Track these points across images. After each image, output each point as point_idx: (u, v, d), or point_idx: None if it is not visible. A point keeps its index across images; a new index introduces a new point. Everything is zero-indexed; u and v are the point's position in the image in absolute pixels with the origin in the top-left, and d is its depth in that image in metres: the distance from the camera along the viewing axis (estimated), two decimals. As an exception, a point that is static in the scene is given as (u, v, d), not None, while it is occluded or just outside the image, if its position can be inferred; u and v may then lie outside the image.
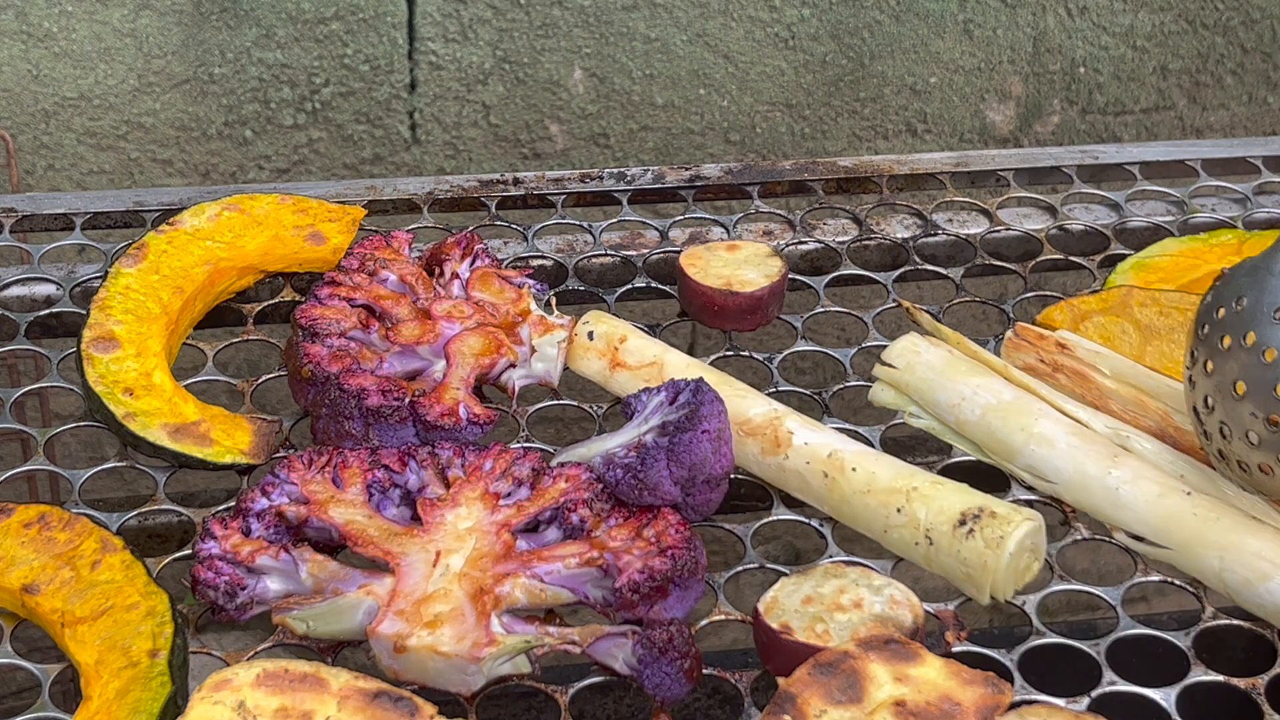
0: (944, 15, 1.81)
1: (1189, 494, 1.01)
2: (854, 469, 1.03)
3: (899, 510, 1.00)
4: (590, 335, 1.17)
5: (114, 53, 1.65)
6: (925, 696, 0.87)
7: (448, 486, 1.02)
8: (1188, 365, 1.02)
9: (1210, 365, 0.99)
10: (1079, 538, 1.05)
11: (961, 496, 1.00)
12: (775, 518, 1.07)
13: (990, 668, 0.91)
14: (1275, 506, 1.01)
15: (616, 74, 1.77)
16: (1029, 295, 1.29)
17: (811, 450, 1.05)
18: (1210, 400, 0.99)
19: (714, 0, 1.75)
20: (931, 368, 1.11)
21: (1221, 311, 0.99)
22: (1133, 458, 1.04)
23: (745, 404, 1.08)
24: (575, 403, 1.16)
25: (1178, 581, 1.02)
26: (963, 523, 0.97)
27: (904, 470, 1.03)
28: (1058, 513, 1.06)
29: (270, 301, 1.25)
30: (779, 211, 1.39)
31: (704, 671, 0.93)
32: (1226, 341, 0.98)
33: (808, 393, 1.17)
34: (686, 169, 1.43)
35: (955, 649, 0.96)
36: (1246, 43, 1.90)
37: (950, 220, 1.38)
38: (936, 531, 0.98)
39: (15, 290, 1.26)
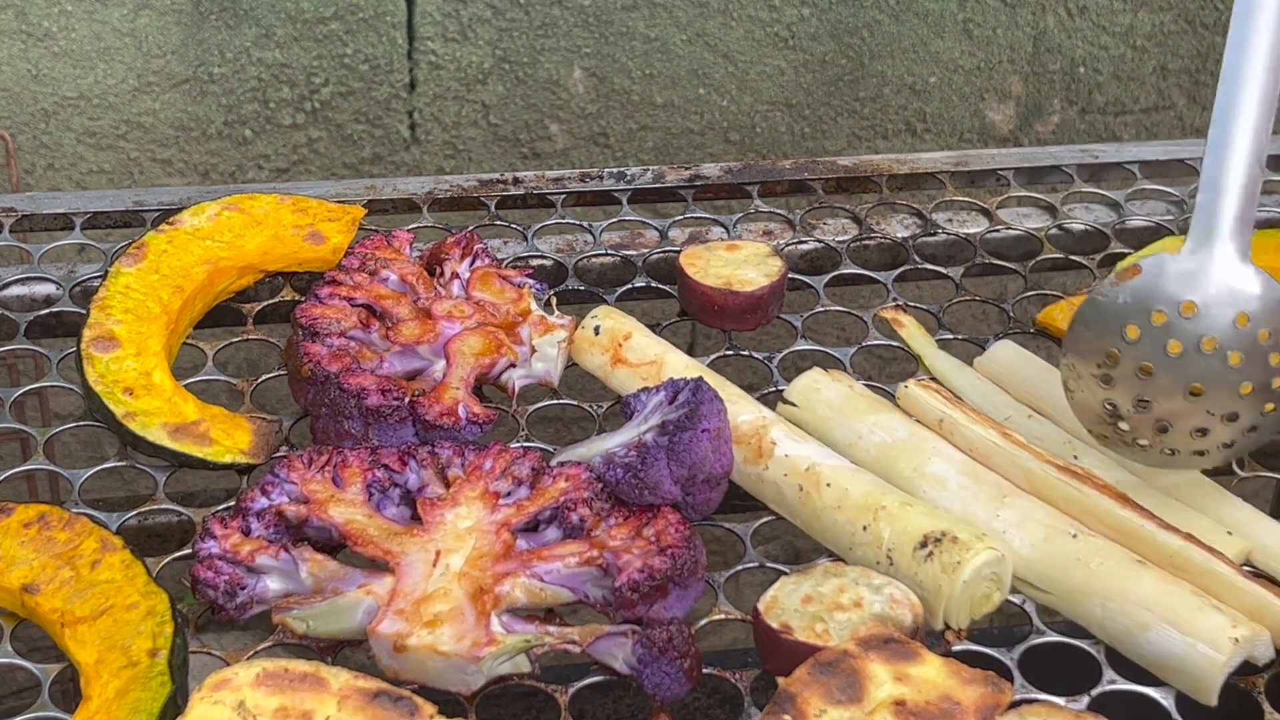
0: (943, 15, 1.81)
1: (1075, 536, 0.99)
2: (829, 484, 1.02)
3: (865, 528, 1.00)
4: (596, 330, 1.17)
5: (113, 52, 1.65)
6: (925, 696, 0.87)
7: (447, 486, 1.02)
8: (1093, 372, 1.01)
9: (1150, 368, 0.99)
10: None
11: (928, 519, 0.99)
12: (775, 517, 1.07)
13: (990, 667, 0.91)
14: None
15: (616, 74, 1.77)
16: (1029, 295, 1.29)
17: (791, 463, 1.05)
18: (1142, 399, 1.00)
19: (713, 0, 1.75)
20: (830, 405, 1.10)
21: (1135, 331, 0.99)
22: (1023, 498, 1.03)
23: (734, 409, 1.07)
24: (575, 402, 1.16)
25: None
26: (923, 545, 0.97)
27: (878, 489, 1.02)
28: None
29: (270, 301, 1.25)
30: (779, 211, 1.39)
31: (704, 671, 0.93)
32: (1173, 347, 0.98)
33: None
34: (686, 169, 1.43)
35: (955, 648, 0.96)
36: (1246, 42, 1.90)
37: (950, 220, 1.38)
38: (898, 552, 0.98)
39: (15, 290, 1.26)
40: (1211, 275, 0.98)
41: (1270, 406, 0.98)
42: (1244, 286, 0.97)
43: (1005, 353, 1.17)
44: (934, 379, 1.16)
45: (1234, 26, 0.97)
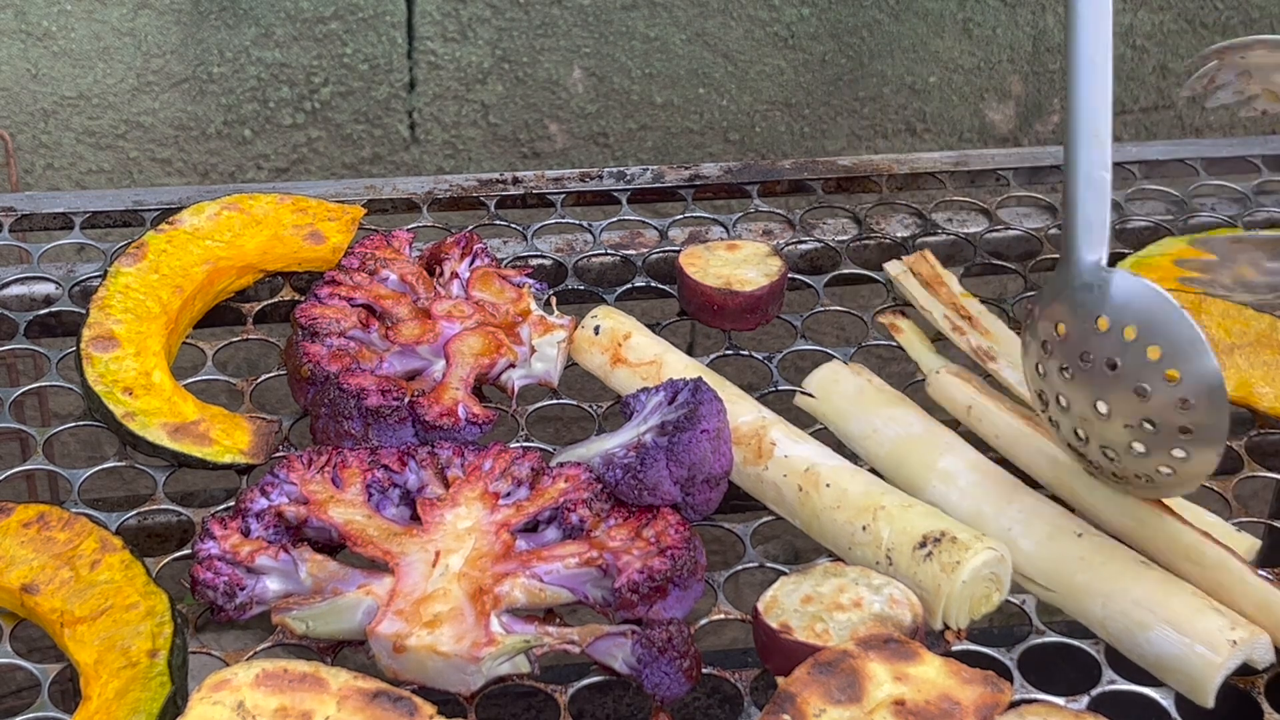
0: (943, 14, 1.81)
1: (1080, 535, 1.00)
2: (828, 485, 1.03)
3: (864, 528, 1.00)
4: (596, 330, 1.17)
5: (113, 52, 1.65)
6: (925, 695, 0.87)
7: (447, 486, 1.02)
8: (1040, 409, 1.02)
9: (1063, 400, 0.98)
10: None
11: (928, 520, 0.99)
12: (775, 517, 1.07)
13: (990, 667, 0.91)
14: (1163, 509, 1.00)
15: (616, 73, 1.77)
16: (1029, 294, 1.29)
17: (790, 463, 1.05)
18: (1081, 433, 0.99)
19: (713, 0, 1.75)
20: (847, 397, 1.11)
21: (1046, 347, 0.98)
22: (1031, 495, 1.03)
23: (734, 410, 1.08)
24: (575, 402, 1.16)
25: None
26: (922, 545, 0.97)
27: (877, 488, 1.02)
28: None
29: (270, 301, 1.25)
30: (778, 211, 1.38)
31: (703, 671, 0.93)
32: (1065, 371, 0.97)
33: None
34: (686, 168, 1.43)
35: (955, 648, 0.96)
36: (1246, 42, 1.90)
37: (950, 220, 1.38)
38: (897, 552, 0.98)
39: (14, 289, 1.26)
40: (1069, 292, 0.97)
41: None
42: (1100, 291, 0.95)
43: None
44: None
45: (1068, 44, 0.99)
